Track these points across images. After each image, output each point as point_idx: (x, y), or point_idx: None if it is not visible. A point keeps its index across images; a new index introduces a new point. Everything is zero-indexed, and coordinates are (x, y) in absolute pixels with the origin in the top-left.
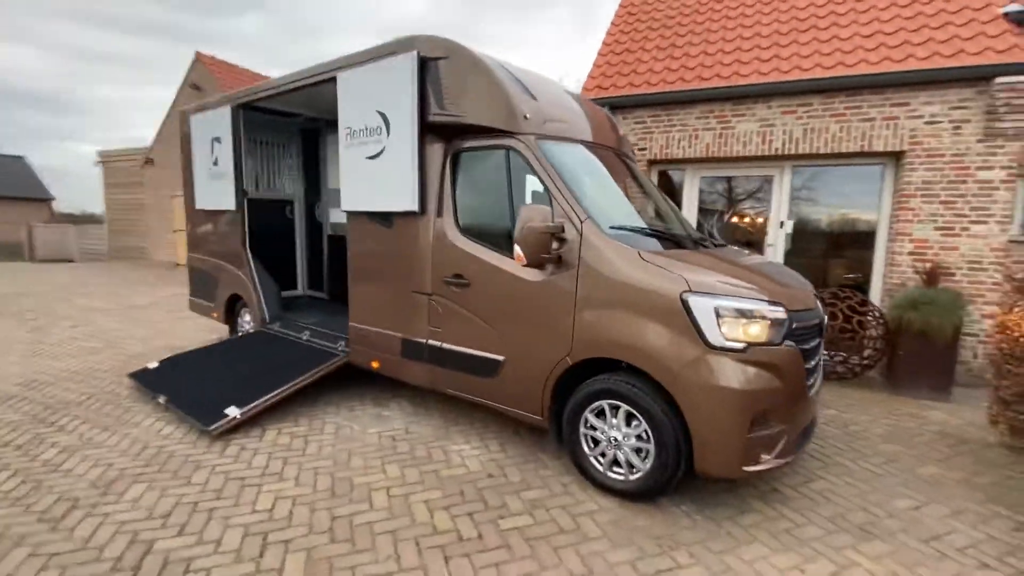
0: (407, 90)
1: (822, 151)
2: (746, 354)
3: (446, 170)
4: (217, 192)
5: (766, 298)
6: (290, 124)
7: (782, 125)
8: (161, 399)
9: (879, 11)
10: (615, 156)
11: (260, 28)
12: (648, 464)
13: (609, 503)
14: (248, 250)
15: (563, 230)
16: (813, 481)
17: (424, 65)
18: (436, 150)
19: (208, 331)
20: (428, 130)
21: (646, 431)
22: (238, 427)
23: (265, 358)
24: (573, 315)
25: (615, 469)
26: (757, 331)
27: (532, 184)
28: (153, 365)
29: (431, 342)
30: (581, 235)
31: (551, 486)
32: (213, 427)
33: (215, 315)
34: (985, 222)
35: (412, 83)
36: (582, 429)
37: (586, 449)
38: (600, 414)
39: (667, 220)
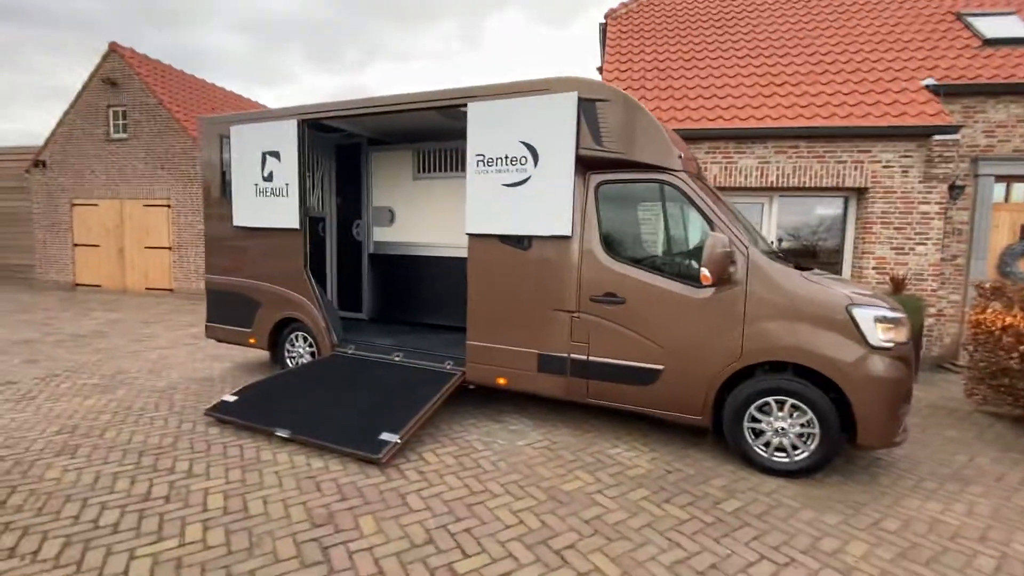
0: (567, 126)
1: (807, 185)
2: (892, 351)
3: (588, 198)
4: (269, 210)
5: (898, 307)
6: (326, 140)
7: (776, 162)
8: (281, 432)
9: (834, 76)
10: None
11: (103, 4)
12: (812, 445)
13: (779, 482)
14: (309, 272)
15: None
16: (882, 452)
17: (579, 104)
18: (579, 180)
19: (214, 359)
20: (576, 162)
21: (811, 419)
22: (394, 454)
23: (377, 382)
24: (742, 326)
25: (777, 454)
26: (898, 333)
27: (678, 215)
28: (231, 398)
29: (574, 356)
30: (748, 258)
31: (725, 474)
32: (382, 455)
33: (252, 341)
34: (924, 244)
35: (573, 120)
36: (746, 424)
37: (749, 440)
38: (762, 409)
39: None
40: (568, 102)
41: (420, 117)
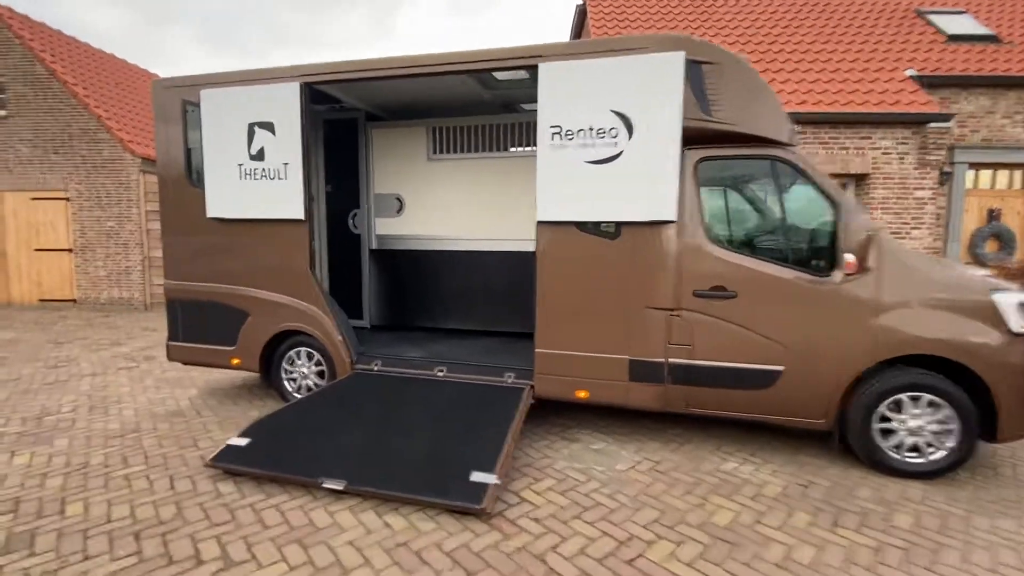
0: (672, 92)
1: None
2: None
3: (687, 178)
4: (260, 196)
5: None
6: (311, 114)
7: None
8: (332, 484)
9: (825, 65)
10: None
11: None
12: (950, 443)
13: (919, 487)
14: (315, 274)
15: None
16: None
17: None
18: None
19: (171, 385)
20: None
21: (949, 415)
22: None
23: (430, 406)
24: (876, 317)
25: (909, 455)
26: None
27: (792, 195)
28: (239, 441)
29: (673, 360)
30: (879, 241)
31: (861, 483)
32: (484, 502)
33: (235, 362)
34: (919, 228)
35: (679, 85)
36: (875, 424)
37: (879, 442)
38: (893, 407)
39: None
40: (673, 64)
41: (443, 85)
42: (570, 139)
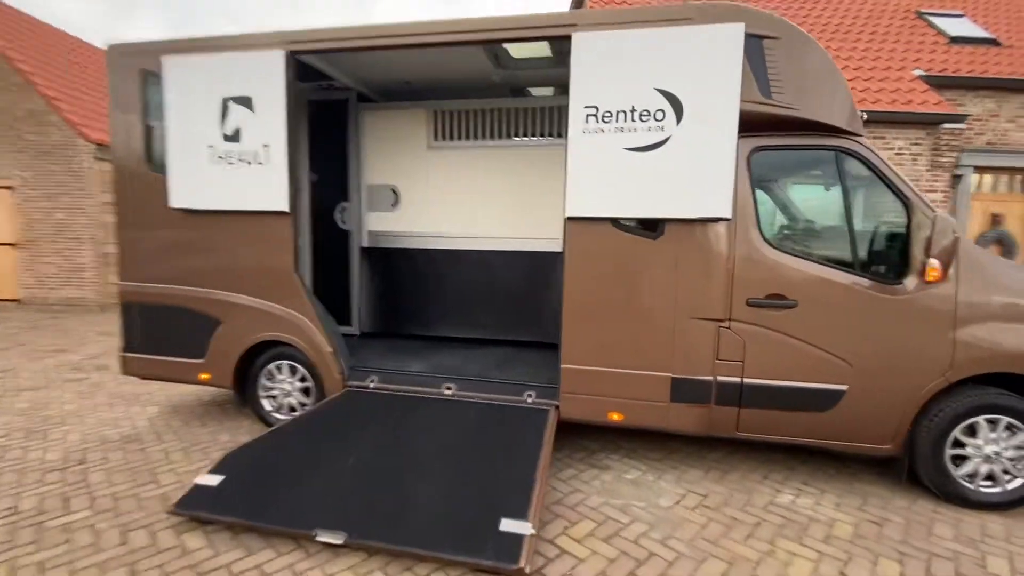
0: (729, 69)
1: None
2: None
3: (740, 170)
4: (236, 184)
5: None
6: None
7: None
8: (329, 536)
9: (845, 62)
10: None
11: None
12: None
13: (998, 520)
14: (301, 274)
15: None
16: None
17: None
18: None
19: (126, 402)
20: None
21: None
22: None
23: (442, 432)
24: (953, 331)
25: (983, 484)
26: None
27: (858, 192)
28: (210, 479)
29: (722, 379)
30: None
31: (936, 518)
32: (522, 561)
33: (205, 377)
34: None
35: (738, 61)
36: (948, 450)
37: (952, 471)
38: (970, 432)
39: None
40: (732, 37)
41: (448, 62)
42: (608, 122)
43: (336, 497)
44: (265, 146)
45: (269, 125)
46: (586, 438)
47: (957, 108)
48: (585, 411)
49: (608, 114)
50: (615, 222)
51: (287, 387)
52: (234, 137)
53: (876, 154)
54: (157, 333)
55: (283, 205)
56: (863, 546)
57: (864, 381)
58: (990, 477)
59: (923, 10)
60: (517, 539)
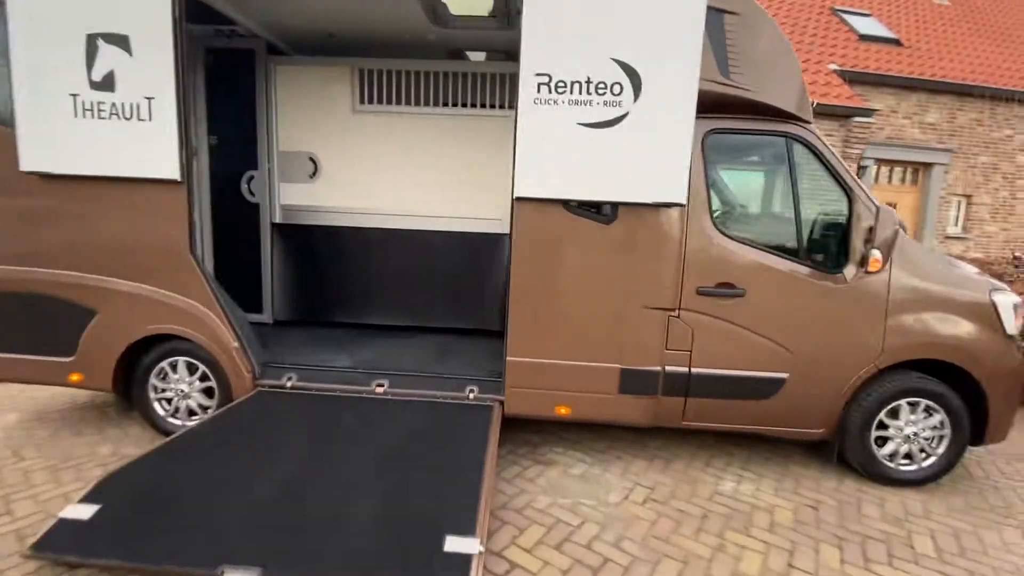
0: (691, 44)
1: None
2: (1020, 341)
3: (694, 152)
4: (110, 143)
5: None
6: (191, 38)
7: None
8: (241, 575)
9: None
10: None
11: None
12: (941, 449)
13: (917, 496)
14: (197, 256)
15: None
16: None
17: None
18: None
19: None
20: None
21: (942, 420)
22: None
23: (373, 437)
24: (885, 320)
25: (903, 462)
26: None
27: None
28: (81, 511)
29: (671, 369)
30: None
31: (863, 499)
32: None
33: (76, 379)
34: None
35: (699, 35)
36: (873, 432)
37: (875, 451)
38: (892, 414)
39: None
40: (694, 8)
41: (377, 9)
42: (561, 93)
43: (247, 524)
44: (148, 98)
45: (153, 73)
46: (527, 431)
47: (865, 103)
48: (532, 406)
49: (562, 84)
50: (566, 204)
51: (184, 387)
52: (105, 85)
53: (824, 143)
54: (10, 326)
55: (173, 172)
56: (804, 533)
57: (804, 369)
58: (908, 456)
59: (837, 7)
60: (465, 560)
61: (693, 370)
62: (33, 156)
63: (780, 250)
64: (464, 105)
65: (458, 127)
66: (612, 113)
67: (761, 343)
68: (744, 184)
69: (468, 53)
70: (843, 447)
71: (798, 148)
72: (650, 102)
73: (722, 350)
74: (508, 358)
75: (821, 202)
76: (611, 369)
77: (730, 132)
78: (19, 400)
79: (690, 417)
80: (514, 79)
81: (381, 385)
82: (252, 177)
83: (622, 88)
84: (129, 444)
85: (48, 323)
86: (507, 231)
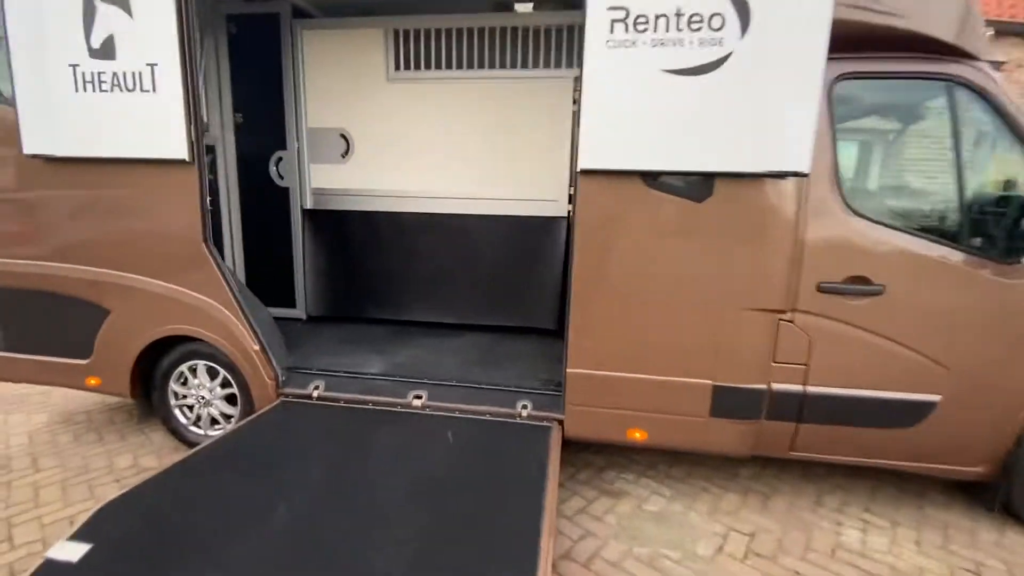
0: None
1: None
2: None
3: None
4: (110, 119)
5: None
6: (203, 5)
7: None
8: None
9: None
10: None
11: None
12: None
13: None
14: (212, 248)
15: None
16: None
17: None
18: None
19: None
20: None
21: None
22: None
23: (408, 460)
24: None
25: None
26: None
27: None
28: (71, 552)
29: (779, 387)
30: None
31: None
32: None
33: (93, 383)
34: None
35: None
36: None
37: None
38: None
39: None
40: None
41: None
42: (642, 30)
43: (260, 572)
44: (151, 65)
45: (155, 35)
46: (589, 450)
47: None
48: (598, 428)
49: (643, 19)
50: (647, 177)
51: (205, 394)
52: (105, 52)
53: (1001, 87)
54: (23, 325)
55: (181, 151)
56: None
57: (962, 389)
58: None
59: None
60: None
61: (809, 389)
62: (35, 138)
63: (934, 233)
64: (514, 66)
65: (508, 92)
66: (710, 55)
67: (904, 355)
68: (885, 146)
69: (516, 5)
70: (1010, 492)
71: (963, 95)
72: (762, 38)
73: (850, 364)
74: (568, 370)
75: (996, 170)
76: (701, 386)
77: (868, 77)
78: (52, 399)
79: (801, 447)
80: (572, 32)
81: (419, 397)
82: (280, 158)
83: (724, 20)
84: (150, 454)
85: (61, 322)
86: (564, 214)
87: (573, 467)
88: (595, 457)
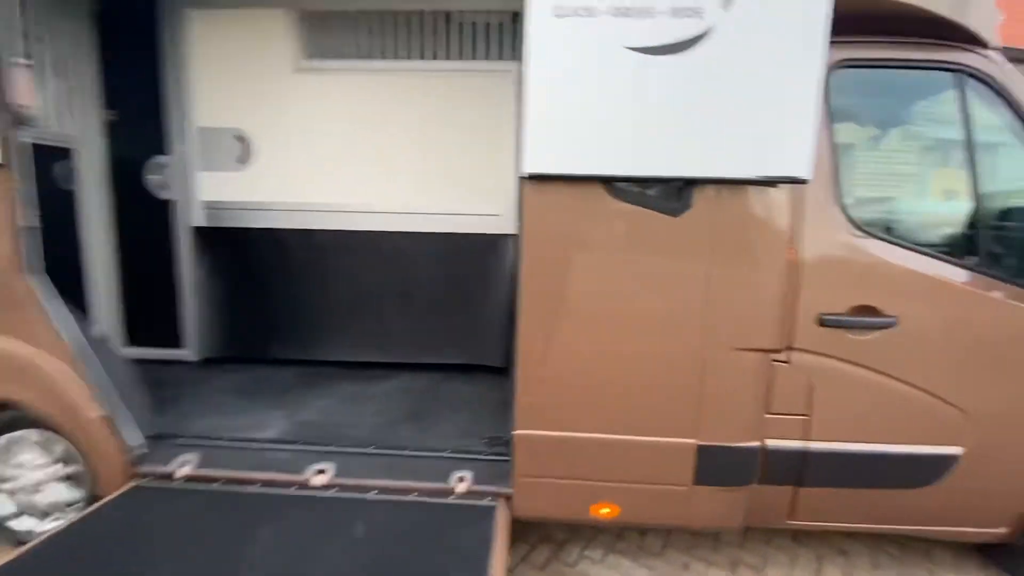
0: None
1: None
2: None
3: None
4: None
5: None
6: None
7: None
8: None
9: None
10: None
11: None
12: None
13: None
14: (38, 280)
15: None
16: None
17: None
18: None
19: None
20: None
21: None
22: None
23: (299, 565)
24: None
25: None
26: None
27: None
28: None
29: (775, 444)
30: None
31: None
32: None
33: None
34: None
35: None
36: None
37: None
38: None
39: None
40: None
41: None
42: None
43: None
44: None
45: None
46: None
47: None
48: (555, 505)
49: None
50: (609, 184)
51: (38, 475)
52: None
53: (1016, 80)
54: None
55: None
56: None
57: (985, 439)
58: None
59: None
60: None
61: (812, 445)
62: None
63: (958, 253)
64: (450, 56)
65: (442, 86)
66: (686, 29)
67: (921, 401)
68: (891, 147)
69: None
70: None
71: (976, 89)
72: (751, 9)
73: (858, 413)
74: (517, 431)
75: (1014, 176)
76: (682, 447)
77: (871, 65)
78: None
79: (802, 515)
80: (517, 18)
81: (322, 472)
82: (160, 165)
83: None
84: None
85: None
86: (512, 231)
87: (526, 544)
88: (554, 530)
